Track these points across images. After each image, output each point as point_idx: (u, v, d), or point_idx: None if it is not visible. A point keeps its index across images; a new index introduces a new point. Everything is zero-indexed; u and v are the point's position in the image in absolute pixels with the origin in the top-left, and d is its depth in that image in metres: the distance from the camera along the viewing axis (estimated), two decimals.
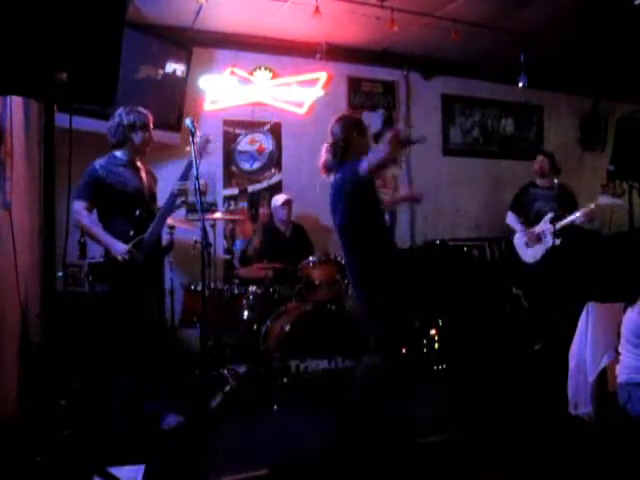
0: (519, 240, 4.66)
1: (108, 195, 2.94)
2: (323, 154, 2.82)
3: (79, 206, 2.89)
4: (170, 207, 3.06)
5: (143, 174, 3.12)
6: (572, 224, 4.29)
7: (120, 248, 2.89)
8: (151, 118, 3.06)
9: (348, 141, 2.75)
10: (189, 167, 3.01)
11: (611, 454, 2.39)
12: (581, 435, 2.70)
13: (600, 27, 4.71)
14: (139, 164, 3.12)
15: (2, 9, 1.76)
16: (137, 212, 2.98)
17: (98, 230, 2.93)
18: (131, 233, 2.94)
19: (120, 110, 2.99)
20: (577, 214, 4.25)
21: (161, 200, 3.19)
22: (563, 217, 4.34)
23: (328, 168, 2.79)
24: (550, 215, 4.42)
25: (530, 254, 4.56)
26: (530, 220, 4.60)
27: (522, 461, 2.58)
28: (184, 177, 3.03)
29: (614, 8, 4.27)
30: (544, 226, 4.46)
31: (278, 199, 4.53)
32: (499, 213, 5.68)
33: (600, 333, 2.72)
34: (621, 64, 5.58)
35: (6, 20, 1.77)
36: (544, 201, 4.56)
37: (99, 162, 2.98)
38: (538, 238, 4.49)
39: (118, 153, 3.04)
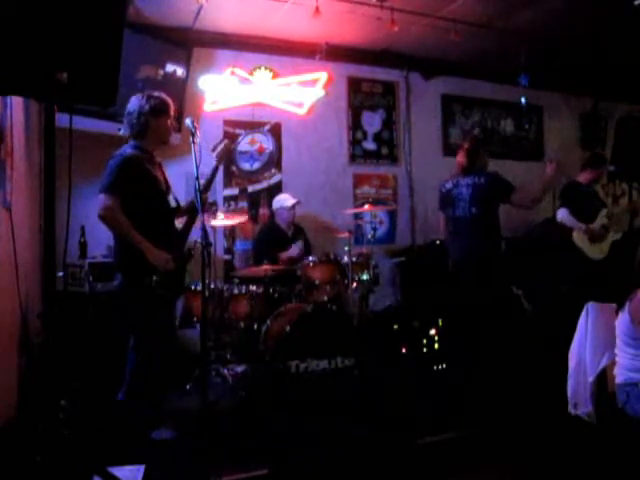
0: (582, 237, 4.49)
1: (140, 190, 2.68)
2: (461, 157, 4.08)
3: (111, 202, 2.59)
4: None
5: (163, 170, 2.94)
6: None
7: (163, 257, 2.70)
8: (172, 104, 2.86)
9: (479, 155, 4.09)
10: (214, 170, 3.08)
11: (610, 454, 2.39)
12: (581, 435, 2.70)
13: (600, 27, 4.71)
14: (157, 159, 2.91)
15: (3, 10, 1.77)
16: (167, 212, 2.83)
17: (136, 233, 2.65)
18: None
19: (137, 97, 2.78)
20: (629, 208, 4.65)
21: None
22: (616, 212, 4.59)
23: (465, 169, 4.06)
24: (605, 210, 4.51)
25: (597, 250, 4.49)
26: (586, 217, 4.50)
27: (522, 461, 2.58)
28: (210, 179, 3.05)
29: (614, 8, 4.27)
30: (603, 221, 4.49)
31: (286, 201, 4.48)
32: (499, 213, 5.68)
33: (600, 333, 2.72)
34: (621, 64, 5.58)
35: (7, 20, 1.77)
36: (595, 199, 4.63)
37: (127, 152, 2.71)
38: (603, 233, 4.48)
39: (139, 144, 2.79)
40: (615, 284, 4.05)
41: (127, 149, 2.76)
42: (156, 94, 2.83)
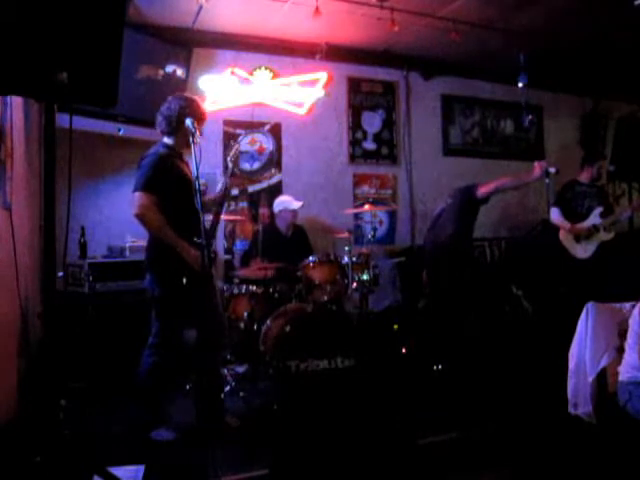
0: (568, 236, 4.60)
1: (173, 188, 2.67)
2: None
3: (148, 200, 2.62)
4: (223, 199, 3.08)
5: (191, 169, 2.97)
6: (619, 219, 4.62)
7: (197, 255, 2.67)
8: (206, 113, 2.95)
9: None
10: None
11: (610, 454, 2.39)
12: (580, 435, 2.70)
13: (600, 27, 4.71)
14: (185, 157, 2.99)
15: (3, 10, 1.77)
16: (197, 210, 2.81)
17: (171, 232, 2.67)
18: (195, 239, 2.69)
19: (179, 98, 2.89)
20: (627, 210, 4.68)
21: None
22: (611, 212, 4.57)
23: None
24: (599, 209, 4.51)
25: (582, 249, 4.54)
26: (578, 216, 4.59)
27: (522, 461, 2.58)
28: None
29: (614, 8, 4.27)
30: (594, 220, 4.51)
31: (290, 204, 4.47)
32: (499, 213, 5.69)
33: (600, 333, 2.71)
34: (621, 64, 5.58)
35: (7, 20, 1.77)
36: (591, 198, 4.63)
37: (161, 150, 2.78)
38: (590, 233, 4.51)
39: (169, 142, 2.87)
40: (598, 283, 4.13)
41: (160, 148, 2.81)
42: (194, 99, 2.92)
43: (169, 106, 2.85)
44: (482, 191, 4.12)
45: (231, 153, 3.17)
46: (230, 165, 3.18)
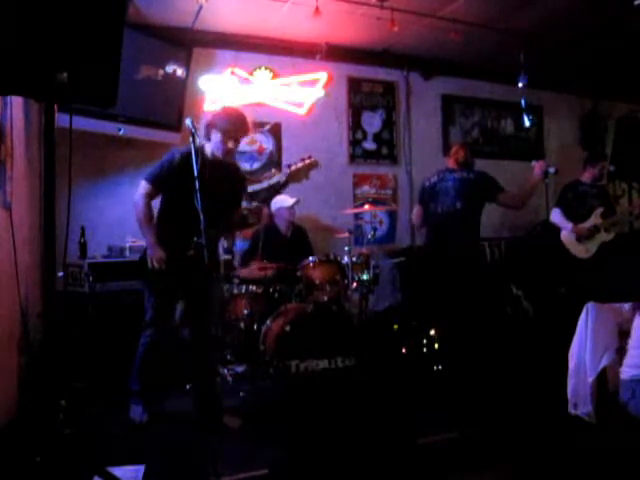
0: (569, 236, 4.62)
1: (176, 185, 2.73)
2: (461, 152, 4.13)
3: (144, 190, 2.83)
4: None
5: (225, 175, 3.04)
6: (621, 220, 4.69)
7: (158, 255, 2.81)
8: (234, 127, 2.90)
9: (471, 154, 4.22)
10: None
11: (610, 454, 2.39)
12: (580, 435, 2.70)
13: (600, 27, 4.71)
14: (227, 165, 3.05)
15: (3, 10, 1.77)
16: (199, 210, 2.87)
17: (148, 226, 2.85)
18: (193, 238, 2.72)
19: (222, 109, 3.06)
20: (628, 210, 4.77)
21: None
22: (613, 212, 4.60)
23: (461, 163, 4.11)
24: (600, 210, 4.53)
25: (583, 249, 4.56)
26: (580, 216, 4.59)
27: (522, 461, 2.58)
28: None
29: (614, 8, 4.28)
30: (595, 221, 4.53)
31: (285, 201, 4.49)
32: (500, 214, 5.67)
33: (600, 333, 2.71)
34: (621, 64, 5.58)
35: (7, 20, 1.77)
36: (592, 198, 4.64)
37: (182, 150, 2.85)
38: (592, 233, 4.52)
39: (207, 146, 3.00)
40: (598, 283, 4.13)
41: (184, 148, 2.86)
42: (234, 112, 2.96)
43: (205, 119, 3.11)
44: (503, 202, 4.07)
45: (293, 167, 3.23)
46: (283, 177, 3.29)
